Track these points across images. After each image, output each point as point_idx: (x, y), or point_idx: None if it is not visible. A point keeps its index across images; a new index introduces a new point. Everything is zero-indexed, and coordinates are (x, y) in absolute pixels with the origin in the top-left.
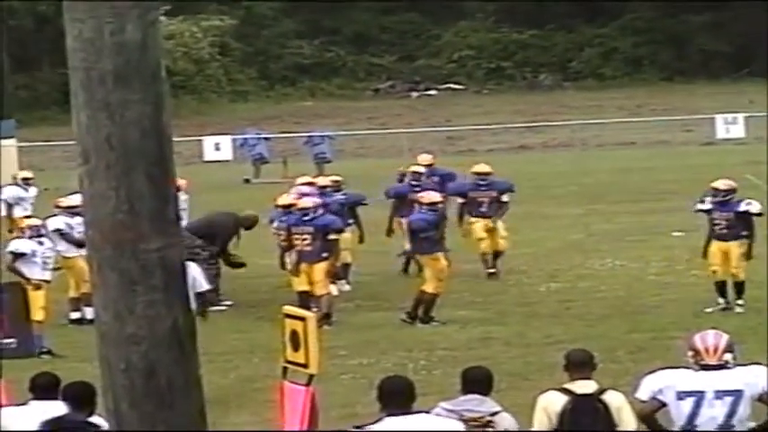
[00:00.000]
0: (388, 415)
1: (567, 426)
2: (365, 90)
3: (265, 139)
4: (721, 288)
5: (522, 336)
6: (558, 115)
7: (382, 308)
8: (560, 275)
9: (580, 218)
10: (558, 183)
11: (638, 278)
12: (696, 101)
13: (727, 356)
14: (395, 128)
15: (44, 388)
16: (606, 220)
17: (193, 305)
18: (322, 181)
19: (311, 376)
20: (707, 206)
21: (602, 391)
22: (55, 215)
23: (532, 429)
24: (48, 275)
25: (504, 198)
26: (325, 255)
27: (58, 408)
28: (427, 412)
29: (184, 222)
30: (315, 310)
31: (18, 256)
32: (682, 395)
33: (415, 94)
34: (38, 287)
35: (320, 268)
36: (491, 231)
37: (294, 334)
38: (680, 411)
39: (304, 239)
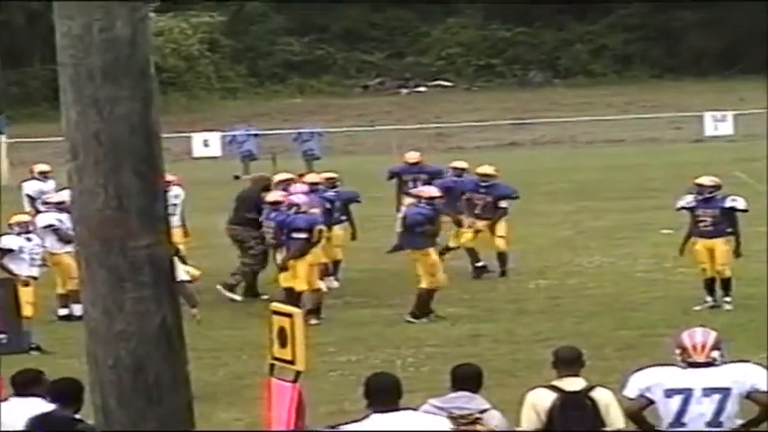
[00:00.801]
0: (375, 412)
1: (555, 423)
2: (354, 87)
3: (254, 135)
4: (710, 286)
5: (511, 333)
6: (548, 112)
7: (371, 305)
8: (549, 272)
9: (569, 215)
10: (548, 180)
11: (626, 275)
12: (686, 98)
13: (715, 354)
14: (384, 125)
15: (25, 384)
16: (595, 218)
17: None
18: (312, 178)
19: (298, 373)
20: (690, 203)
21: (590, 389)
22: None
23: (521, 426)
24: (36, 272)
25: (503, 204)
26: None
27: (38, 404)
28: (414, 409)
29: (176, 219)
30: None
31: (5, 252)
32: (670, 393)
33: (404, 90)
34: (26, 283)
35: (302, 264)
36: (479, 233)
37: (281, 331)
38: (668, 409)
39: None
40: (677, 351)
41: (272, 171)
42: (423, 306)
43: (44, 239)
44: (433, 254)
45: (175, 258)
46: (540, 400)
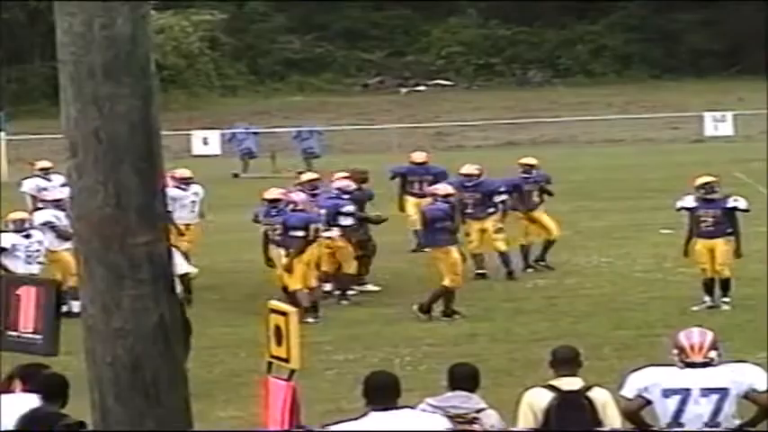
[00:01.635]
0: (373, 410)
1: (552, 422)
2: (354, 85)
3: (254, 133)
4: (709, 286)
5: (508, 332)
6: (547, 112)
7: (369, 303)
8: (547, 272)
9: (567, 215)
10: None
11: (624, 275)
12: (685, 98)
13: (713, 354)
14: (384, 123)
15: (31, 378)
16: (594, 217)
17: (178, 288)
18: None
19: (292, 371)
20: (689, 204)
21: (587, 388)
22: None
23: (518, 426)
24: (35, 269)
25: (496, 198)
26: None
27: (28, 400)
28: (412, 408)
29: (195, 216)
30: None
31: (0, 250)
32: (667, 393)
33: (404, 89)
34: None
35: (297, 263)
36: (484, 232)
37: (278, 329)
38: (665, 409)
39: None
40: (675, 351)
41: (272, 169)
42: (436, 301)
43: (44, 236)
44: (454, 252)
45: (176, 251)
46: (537, 400)
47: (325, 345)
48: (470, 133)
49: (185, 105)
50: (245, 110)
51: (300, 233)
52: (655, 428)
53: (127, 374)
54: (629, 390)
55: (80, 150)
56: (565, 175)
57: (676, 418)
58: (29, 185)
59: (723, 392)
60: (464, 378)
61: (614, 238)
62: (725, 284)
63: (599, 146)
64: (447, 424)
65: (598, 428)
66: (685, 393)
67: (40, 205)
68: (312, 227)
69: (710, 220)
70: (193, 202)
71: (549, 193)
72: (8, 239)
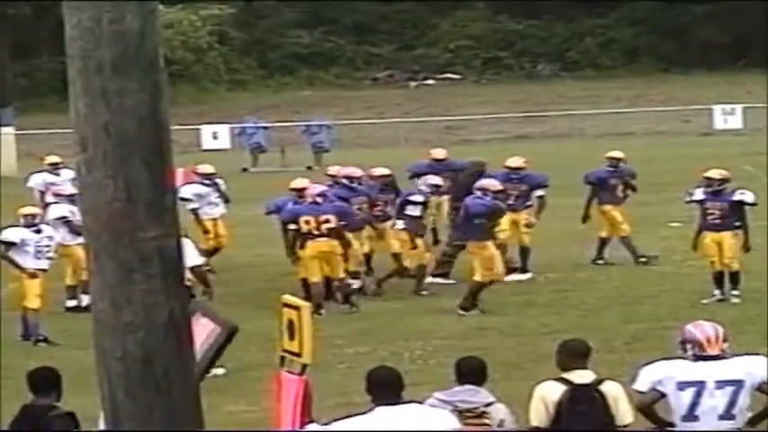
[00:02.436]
0: (378, 405)
1: (564, 416)
2: (363, 79)
3: (263, 128)
4: (719, 279)
5: (518, 325)
6: (556, 105)
7: (379, 297)
8: (558, 265)
9: (579, 209)
10: (556, 173)
11: (634, 268)
12: (694, 91)
13: (725, 346)
14: (393, 117)
15: (42, 384)
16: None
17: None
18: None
19: (304, 366)
20: (699, 196)
21: (599, 382)
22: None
23: (529, 419)
24: (44, 264)
25: (537, 193)
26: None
27: None
28: (419, 402)
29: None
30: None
31: (9, 245)
32: (682, 385)
33: (413, 83)
34: (33, 276)
35: (301, 256)
36: (516, 224)
37: (291, 323)
38: (680, 402)
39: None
40: (688, 345)
41: (281, 163)
42: (473, 298)
43: (56, 231)
44: (491, 247)
45: (189, 241)
46: (549, 393)
47: (337, 338)
48: (480, 127)
49: (194, 100)
50: (254, 104)
51: (293, 226)
52: (669, 422)
53: (137, 369)
54: (643, 383)
55: (89, 145)
56: (576, 168)
57: (691, 411)
58: (35, 181)
59: (738, 384)
60: (471, 372)
61: None
62: (734, 278)
63: (608, 139)
64: (453, 419)
65: (610, 422)
66: (700, 386)
67: (55, 200)
68: (302, 219)
69: (717, 212)
70: (218, 196)
71: (633, 188)
72: (18, 234)
